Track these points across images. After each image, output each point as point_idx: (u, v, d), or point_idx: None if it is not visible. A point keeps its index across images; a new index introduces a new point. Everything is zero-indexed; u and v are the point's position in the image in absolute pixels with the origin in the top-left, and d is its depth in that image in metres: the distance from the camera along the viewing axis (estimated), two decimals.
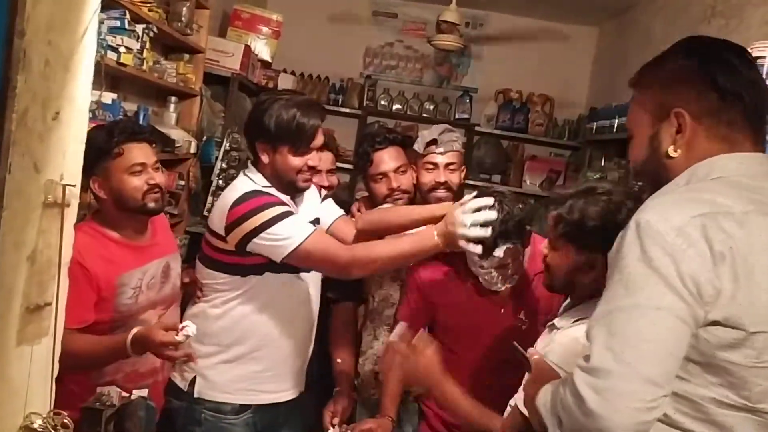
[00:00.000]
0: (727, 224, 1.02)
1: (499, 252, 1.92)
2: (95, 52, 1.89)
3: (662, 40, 4.03)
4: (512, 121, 5.47)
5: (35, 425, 1.37)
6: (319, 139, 2.07)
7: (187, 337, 1.83)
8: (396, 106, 5.52)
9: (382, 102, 5.51)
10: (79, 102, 1.42)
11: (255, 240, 1.94)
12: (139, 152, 2.00)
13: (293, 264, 1.98)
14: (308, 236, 1.92)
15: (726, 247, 1.01)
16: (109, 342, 1.90)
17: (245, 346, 2.08)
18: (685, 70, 1.15)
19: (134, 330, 1.85)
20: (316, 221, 2.21)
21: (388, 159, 2.39)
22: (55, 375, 1.46)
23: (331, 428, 2.17)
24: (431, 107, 5.51)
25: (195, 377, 2.08)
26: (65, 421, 1.41)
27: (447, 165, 2.32)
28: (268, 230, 1.92)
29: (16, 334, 1.30)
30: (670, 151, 1.15)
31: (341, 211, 2.29)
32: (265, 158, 2.05)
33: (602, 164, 4.64)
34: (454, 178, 2.33)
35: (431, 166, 2.33)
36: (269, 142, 2.04)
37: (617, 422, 0.99)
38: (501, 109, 5.51)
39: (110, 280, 1.96)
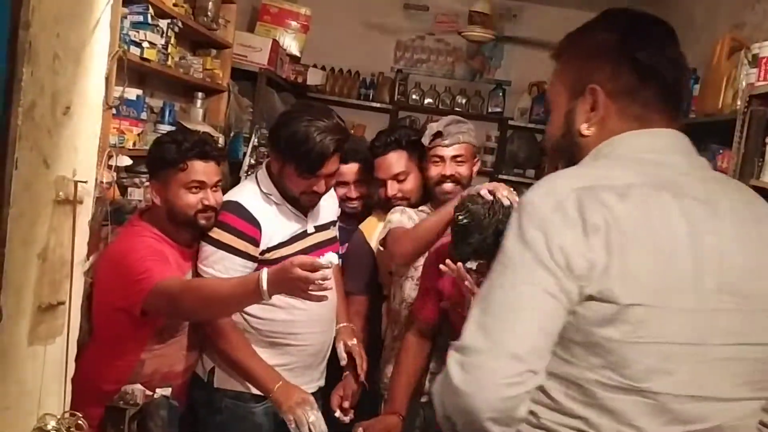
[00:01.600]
0: (607, 197, 0.99)
1: (471, 264, 1.82)
2: (116, 46, 1.87)
3: (704, 25, 3.87)
4: (547, 114, 5.34)
5: (49, 426, 1.35)
6: (331, 167, 2.03)
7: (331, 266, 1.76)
8: (427, 101, 5.43)
9: (414, 96, 5.43)
10: (91, 96, 1.40)
11: (202, 241, 2.02)
12: (202, 170, 1.98)
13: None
14: (211, 275, 1.97)
15: (601, 219, 0.97)
16: (238, 282, 1.83)
17: (264, 340, 2.07)
18: (605, 45, 1.10)
19: (265, 270, 1.74)
20: (332, 224, 2.22)
21: (386, 166, 2.34)
22: (70, 375, 1.44)
23: (339, 411, 2.13)
24: (463, 101, 5.41)
25: (214, 367, 2.08)
26: (80, 422, 1.39)
27: (454, 157, 2.24)
28: (213, 249, 1.99)
29: (27, 333, 1.27)
30: (583, 129, 1.12)
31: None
32: (275, 169, 2.06)
33: None
34: (463, 171, 2.25)
35: (437, 159, 2.25)
36: (279, 156, 2.04)
37: (481, 399, 0.96)
38: (535, 102, 5.38)
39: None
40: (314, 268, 1.65)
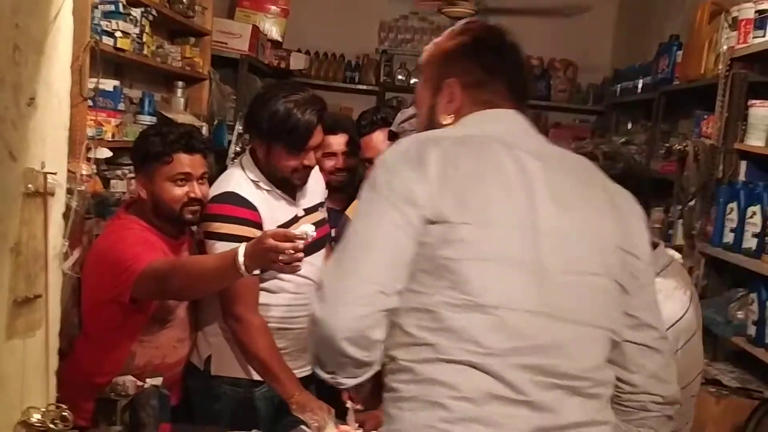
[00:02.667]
0: (445, 143, 1.15)
1: None
2: (87, 37, 1.86)
3: None
4: (534, 88, 5.32)
5: (33, 420, 1.34)
6: (317, 138, 2.01)
7: (306, 237, 1.71)
8: (414, 80, 5.41)
9: (400, 77, 5.43)
10: (57, 87, 1.37)
11: (209, 241, 1.98)
12: (188, 162, 1.96)
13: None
14: None
15: (438, 158, 1.12)
16: (218, 257, 1.85)
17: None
18: (459, 49, 1.29)
19: (242, 245, 1.75)
20: (320, 205, 2.20)
21: (373, 145, 2.32)
22: (53, 368, 1.43)
23: (350, 402, 2.12)
24: None
25: (210, 355, 2.07)
26: (64, 414, 1.38)
27: None
28: (219, 242, 1.95)
29: (5, 328, 1.26)
30: (443, 119, 1.27)
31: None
32: (260, 153, 2.03)
33: (629, 127, 4.50)
34: None
35: None
36: (263, 139, 2.01)
37: (335, 320, 1.06)
38: None
39: None
40: (287, 239, 1.68)
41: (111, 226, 2.06)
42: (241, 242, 1.86)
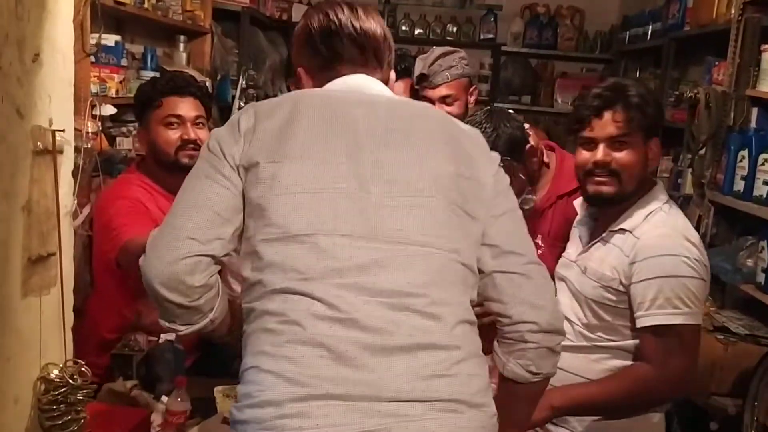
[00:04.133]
0: (262, 106, 1.24)
1: None
2: None
3: None
4: (540, 37, 5.23)
5: (52, 375, 1.36)
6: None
7: None
8: (418, 31, 5.32)
9: (404, 28, 5.32)
10: (60, 42, 1.35)
11: None
12: (179, 105, 1.96)
13: None
14: None
15: (251, 118, 1.20)
16: None
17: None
18: (297, 33, 1.35)
19: None
20: None
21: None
22: (69, 325, 1.45)
23: None
24: (454, 29, 5.29)
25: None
26: (83, 369, 1.40)
27: (443, 99, 2.19)
28: None
29: (20, 285, 1.27)
30: None
31: None
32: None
33: (638, 75, 4.43)
34: (454, 110, 2.17)
35: (425, 102, 2.20)
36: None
37: (150, 267, 1.15)
38: (528, 26, 5.27)
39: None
40: None
41: (113, 182, 2.07)
42: None
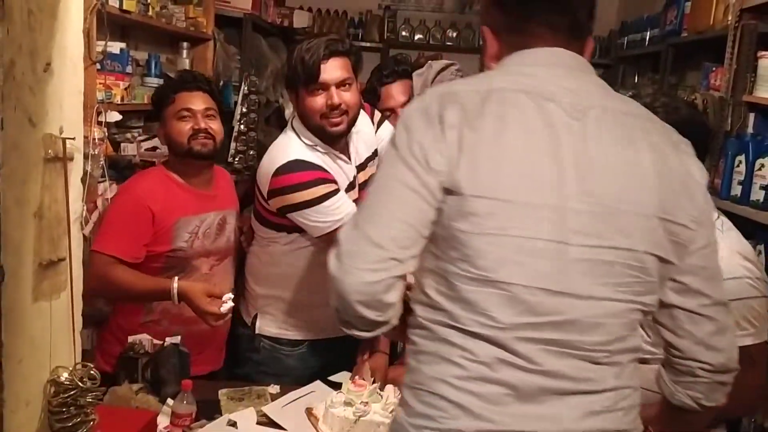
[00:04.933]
0: (467, 99, 1.08)
1: None
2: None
3: None
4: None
5: (62, 378, 1.39)
6: (334, 74, 1.96)
7: (228, 310, 1.98)
8: (418, 36, 5.36)
9: (403, 33, 5.36)
10: (71, 52, 1.38)
11: (295, 213, 1.96)
12: (189, 99, 2.10)
13: (326, 242, 1.99)
14: (329, 223, 1.93)
15: (456, 118, 1.06)
16: (153, 282, 2.02)
17: (297, 292, 2.14)
18: None
19: (177, 281, 1.97)
20: (370, 159, 2.16)
21: (395, 94, 2.32)
22: (78, 329, 1.48)
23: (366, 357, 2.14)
24: (454, 35, 5.33)
25: (257, 314, 2.18)
26: (92, 372, 1.43)
27: None
28: (309, 209, 1.93)
29: (31, 290, 1.30)
30: (488, 68, 1.21)
31: None
32: (297, 108, 2.04)
33: (635, 80, 4.47)
34: None
35: None
36: (290, 89, 2.05)
37: (348, 282, 1.07)
38: None
39: (169, 220, 2.06)
40: (217, 313, 1.95)
41: (140, 172, 2.29)
42: (325, 201, 1.91)
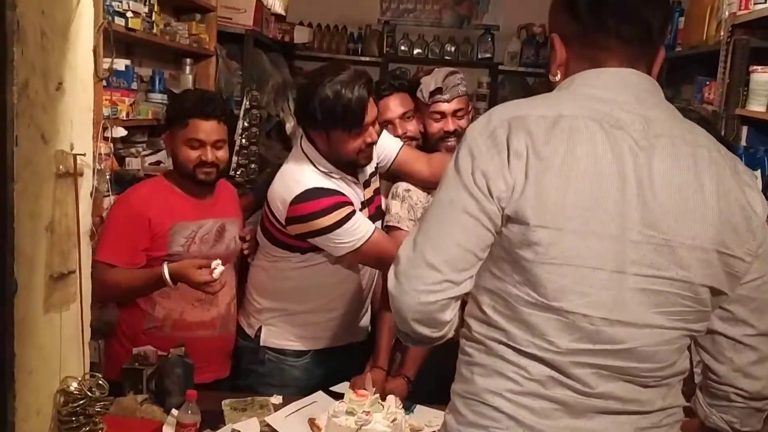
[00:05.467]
0: (535, 126, 1.07)
1: None
2: (101, 18, 1.90)
3: None
4: (537, 56, 5.33)
5: (71, 388, 1.42)
6: (372, 113, 1.99)
7: (220, 274, 1.99)
8: (417, 51, 5.41)
9: (402, 47, 5.41)
10: (81, 71, 1.43)
11: (317, 238, 2.00)
12: (202, 129, 2.08)
13: (348, 259, 2.06)
14: (367, 240, 1.97)
15: (524, 146, 1.06)
16: (146, 273, 2.05)
17: (305, 305, 2.17)
18: None
19: (166, 265, 2.00)
20: (373, 174, 2.19)
21: (393, 106, 2.33)
22: (87, 339, 1.52)
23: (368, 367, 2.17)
24: (452, 49, 5.39)
25: (260, 327, 2.20)
26: (100, 382, 1.47)
27: (455, 112, 2.26)
28: (331, 233, 1.96)
29: (43, 302, 1.34)
30: (552, 76, 1.20)
31: (400, 142, 2.25)
32: (320, 144, 2.03)
33: None
34: (463, 124, 2.26)
35: (438, 116, 2.26)
36: (320, 129, 2.00)
37: (404, 302, 1.10)
38: (525, 46, 5.37)
39: (164, 225, 2.10)
40: (210, 281, 1.98)
41: (142, 180, 2.29)
42: (345, 224, 1.94)
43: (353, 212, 1.98)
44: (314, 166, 2.03)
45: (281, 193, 2.01)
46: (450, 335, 1.17)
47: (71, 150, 1.38)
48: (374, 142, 2.05)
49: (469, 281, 1.12)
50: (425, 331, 1.12)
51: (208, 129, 2.09)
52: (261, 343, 2.19)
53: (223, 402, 2.00)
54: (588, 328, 1.08)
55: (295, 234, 2.02)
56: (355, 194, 2.09)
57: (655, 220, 1.06)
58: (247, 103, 3.64)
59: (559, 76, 1.19)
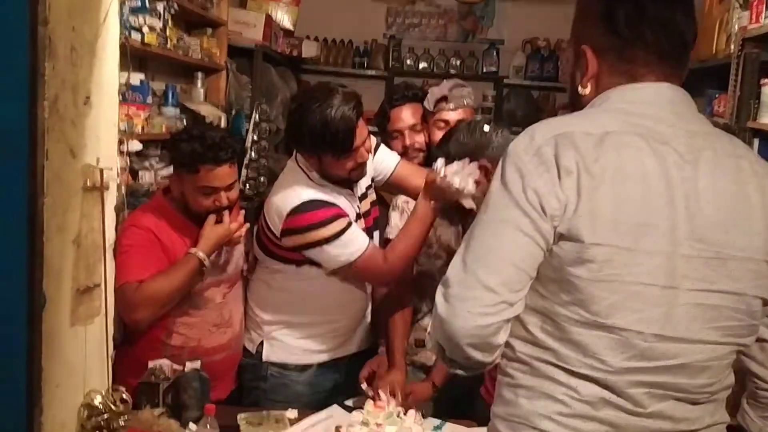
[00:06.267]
0: (582, 143, 1.05)
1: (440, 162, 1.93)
2: (119, 34, 1.91)
3: None
4: (542, 70, 5.35)
5: (96, 402, 1.43)
6: (361, 135, 1.98)
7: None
8: (422, 65, 5.43)
9: (408, 62, 5.43)
10: (107, 85, 1.45)
11: (311, 250, 1.99)
12: (215, 176, 1.99)
13: (342, 272, 2.06)
14: (361, 254, 1.97)
15: (573, 163, 1.04)
16: (182, 267, 1.98)
17: (305, 317, 2.15)
18: (591, 7, 1.16)
19: (192, 250, 1.98)
20: (369, 187, 2.20)
21: (404, 116, 2.36)
22: (111, 353, 1.52)
23: (365, 383, 2.15)
24: (458, 63, 5.41)
25: (262, 341, 2.17)
26: (123, 396, 1.47)
27: (459, 122, 2.25)
28: (327, 245, 1.96)
29: (69, 315, 1.34)
30: (580, 89, 1.17)
31: (397, 156, 2.26)
32: (313, 165, 2.04)
33: None
34: None
35: (443, 124, 2.29)
36: (311, 152, 2.00)
37: (458, 326, 1.06)
38: (529, 59, 5.38)
39: (178, 254, 2.02)
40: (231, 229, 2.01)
41: (142, 206, 2.14)
42: (341, 236, 1.94)
43: (349, 225, 1.98)
44: (309, 179, 2.04)
45: (278, 206, 2.01)
46: (498, 360, 1.13)
47: (98, 164, 1.39)
48: (366, 161, 2.05)
49: (521, 302, 1.09)
50: (478, 356, 1.08)
51: (221, 175, 2.00)
52: (263, 359, 2.16)
53: (238, 416, 1.98)
54: (641, 345, 1.06)
55: (291, 246, 2.01)
56: (351, 206, 2.09)
57: (705, 234, 1.06)
58: (257, 116, 3.66)
59: (589, 89, 1.16)
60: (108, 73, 1.44)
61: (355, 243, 1.97)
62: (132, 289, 1.87)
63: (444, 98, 2.29)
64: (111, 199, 1.47)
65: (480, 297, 1.05)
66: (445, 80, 2.42)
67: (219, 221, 2.05)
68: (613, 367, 1.06)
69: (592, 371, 1.07)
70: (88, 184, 1.36)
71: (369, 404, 1.90)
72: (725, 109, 2.90)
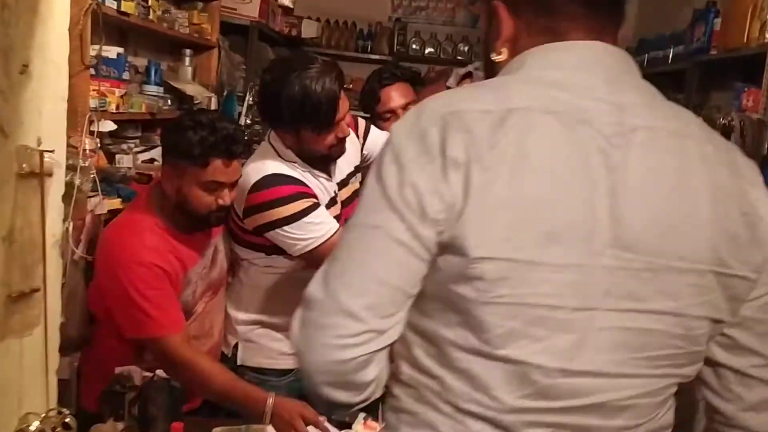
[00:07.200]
0: (477, 124, 0.81)
1: None
2: None
3: None
4: None
5: (32, 427, 1.21)
6: (343, 108, 1.85)
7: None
8: (428, 50, 5.24)
9: (414, 46, 5.24)
10: (53, 53, 1.22)
11: (273, 232, 1.82)
12: (225, 171, 1.78)
13: (305, 261, 1.85)
14: (326, 240, 1.79)
15: (463, 152, 0.80)
16: (245, 390, 1.79)
17: (280, 317, 1.97)
18: None
19: (273, 398, 1.74)
20: (352, 174, 2.05)
21: (396, 96, 2.28)
22: (54, 368, 1.30)
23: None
24: (465, 49, 5.21)
25: (237, 343, 2.01)
26: (67, 421, 1.25)
27: None
28: (287, 226, 1.80)
29: None
30: (494, 54, 0.93)
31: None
32: (289, 141, 1.87)
33: None
34: None
35: None
36: (288, 127, 1.84)
37: (311, 360, 0.85)
38: None
39: (180, 277, 1.84)
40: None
41: (125, 222, 1.86)
42: (304, 217, 1.77)
43: (316, 205, 1.81)
44: (278, 155, 1.87)
45: (242, 183, 1.84)
46: (378, 394, 0.91)
47: (38, 146, 1.17)
48: (346, 135, 1.90)
49: (398, 326, 0.86)
50: (340, 396, 0.87)
51: (230, 171, 1.78)
52: (238, 362, 1.99)
53: (214, 430, 1.79)
54: (542, 381, 0.84)
55: (253, 227, 1.84)
56: (322, 188, 1.92)
57: (633, 240, 0.82)
58: (251, 99, 3.47)
59: (504, 54, 0.92)
60: (54, 38, 1.21)
61: (320, 228, 1.79)
62: (172, 344, 1.73)
63: (469, 74, 2.23)
64: (57, 187, 1.25)
65: (338, 325, 0.83)
66: (455, 69, 2.32)
67: (219, 221, 1.87)
68: (506, 405, 0.85)
69: (481, 408, 0.85)
70: (25, 169, 1.13)
71: (359, 424, 1.73)
72: (755, 104, 2.68)
